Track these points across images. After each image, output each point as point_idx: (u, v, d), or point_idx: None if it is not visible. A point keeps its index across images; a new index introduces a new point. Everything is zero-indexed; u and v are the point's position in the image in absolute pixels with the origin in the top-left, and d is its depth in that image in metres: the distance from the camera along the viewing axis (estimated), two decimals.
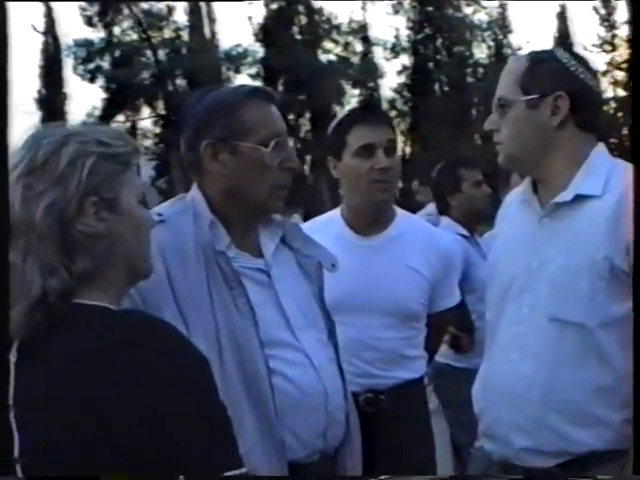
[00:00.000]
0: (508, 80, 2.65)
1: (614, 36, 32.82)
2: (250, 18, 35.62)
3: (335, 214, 3.53)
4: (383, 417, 3.25)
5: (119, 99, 33.65)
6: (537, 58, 2.64)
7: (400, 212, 3.53)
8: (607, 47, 32.12)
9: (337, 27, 35.94)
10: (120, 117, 34.09)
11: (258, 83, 33.38)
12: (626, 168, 2.59)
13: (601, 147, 2.64)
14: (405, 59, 36.52)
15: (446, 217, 4.99)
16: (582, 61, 2.63)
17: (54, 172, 1.74)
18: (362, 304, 3.25)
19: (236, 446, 1.72)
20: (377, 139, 3.31)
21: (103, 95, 34.79)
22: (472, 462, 2.88)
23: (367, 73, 36.00)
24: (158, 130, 35.36)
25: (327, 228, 3.34)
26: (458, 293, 3.67)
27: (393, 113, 34.28)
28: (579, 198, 2.53)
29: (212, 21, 34.52)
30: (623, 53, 31.82)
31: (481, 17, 36.66)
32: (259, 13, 34.98)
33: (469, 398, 4.62)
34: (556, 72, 2.58)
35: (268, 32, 34.11)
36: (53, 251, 1.72)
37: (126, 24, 33.56)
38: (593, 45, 32.28)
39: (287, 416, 2.34)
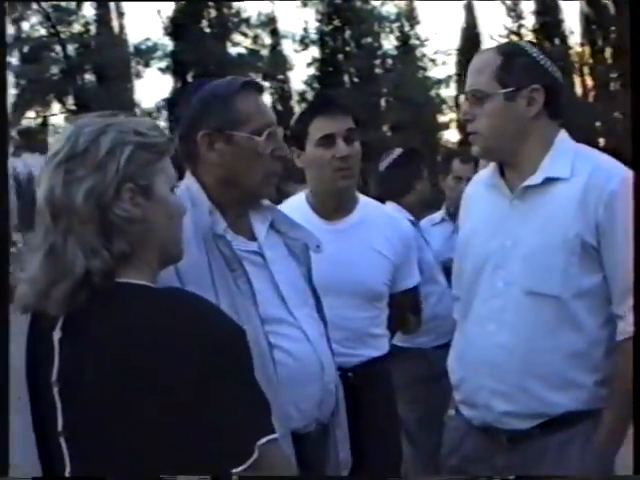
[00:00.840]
0: (482, 73, 2.78)
1: (520, 26, 33.25)
2: (159, 12, 35.34)
3: (300, 199, 3.65)
4: (351, 393, 3.36)
5: (29, 95, 33.02)
6: (510, 52, 2.79)
7: (362, 198, 3.67)
8: (513, 37, 32.52)
9: (246, 20, 35.67)
10: (31, 113, 33.53)
11: (168, 77, 33.16)
12: (588, 151, 2.80)
13: (563, 133, 2.80)
14: (314, 51, 36.36)
15: (391, 202, 5.12)
16: (548, 55, 2.80)
17: (94, 159, 1.84)
18: (331, 286, 3.29)
19: (270, 412, 1.82)
20: (337, 129, 3.45)
21: (12, 91, 34.15)
22: (449, 430, 3.02)
23: (276, 65, 35.80)
24: None
25: (293, 213, 3.41)
26: (417, 274, 3.83)
27: (304, 105, 34.17)
28: (548, 181, 2.71)
29: (120, 15, 34.04)
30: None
31: (389, 9, 36.74)
32: (168, 7, 34.54)
33: (413, 376, 4.82)
34: (530, 66, 2.74)
35: (177, 26, 33.70)
36: (94, 233, 1.82)
37: (35, 19, 32.98)
38: (500, 35, 32.69)
39: (289, 388, 2.46)
